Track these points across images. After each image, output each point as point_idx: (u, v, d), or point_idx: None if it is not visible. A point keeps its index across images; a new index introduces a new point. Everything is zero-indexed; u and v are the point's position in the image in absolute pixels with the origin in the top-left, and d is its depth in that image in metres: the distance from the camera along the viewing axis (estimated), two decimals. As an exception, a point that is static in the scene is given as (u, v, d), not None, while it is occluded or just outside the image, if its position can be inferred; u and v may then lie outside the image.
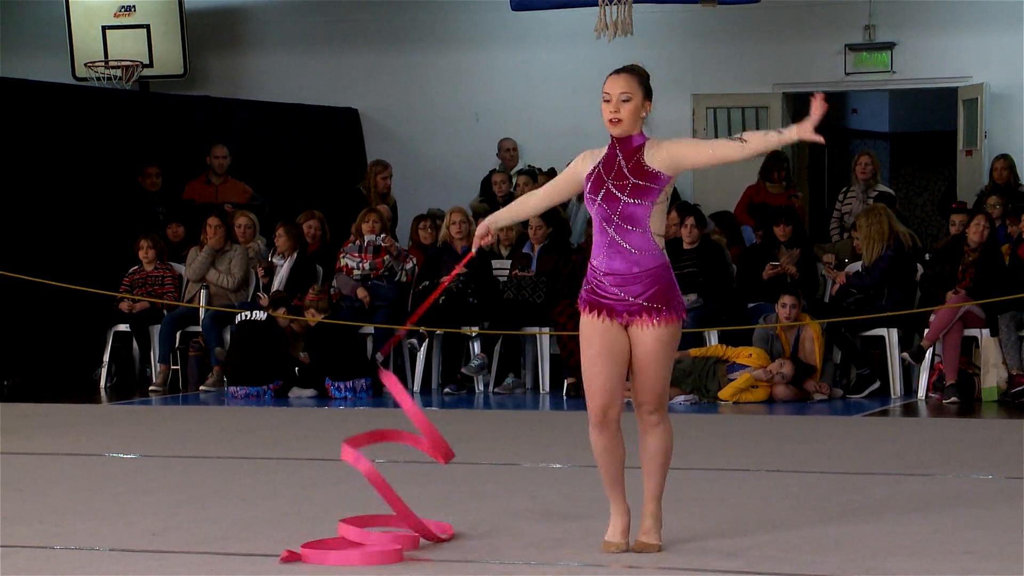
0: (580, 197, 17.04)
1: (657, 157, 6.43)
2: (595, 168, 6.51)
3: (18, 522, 7.61)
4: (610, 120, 6.44)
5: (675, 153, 6.45)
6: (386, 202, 16.13)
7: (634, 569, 6.33)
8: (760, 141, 6.42)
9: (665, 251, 6.52)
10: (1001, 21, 16.87)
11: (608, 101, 6.45)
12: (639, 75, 6.52)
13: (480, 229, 6.99)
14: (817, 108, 6.23)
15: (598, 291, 6.52)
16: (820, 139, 6.23)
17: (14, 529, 7.39)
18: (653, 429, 6.58)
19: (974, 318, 13.09)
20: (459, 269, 7.66)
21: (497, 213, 7.11)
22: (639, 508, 6.66)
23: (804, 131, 6.23)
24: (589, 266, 6.59)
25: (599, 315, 6.50)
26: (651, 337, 6.45)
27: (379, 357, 13.69)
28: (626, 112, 6.42)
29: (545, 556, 6.63)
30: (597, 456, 6.61)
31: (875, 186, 15.45)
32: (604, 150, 6.55)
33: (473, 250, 7.29)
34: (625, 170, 6.42)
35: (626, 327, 6.48)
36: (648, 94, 6.52)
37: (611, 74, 6.52)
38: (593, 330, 6.52)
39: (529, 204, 6.97)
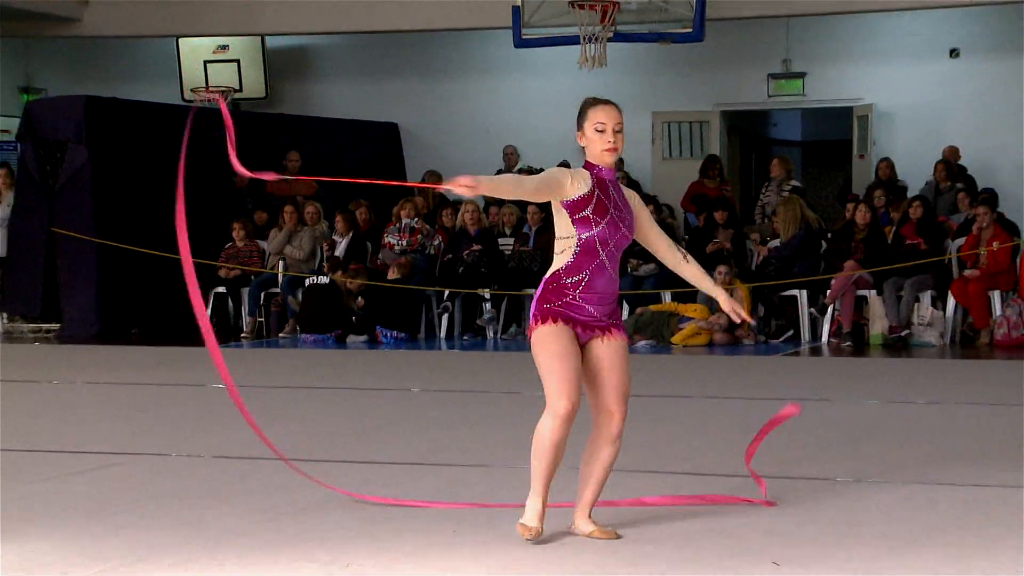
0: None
1: (632, 201, 5.27)
2: (592, 192, 5.12)
3: (142, 436, 7.68)
4: (607, 150, 5.13)
5: (641, 212, 5.29)
6: (432, 200, 16.18)
7: (622, 471, 6.34)
8: (695, 275, 5.42)
9: None
10: (886, 56, 16.94)
11: (603, 131, 5.13)
12: (619, 108, 5.26)
13: (466, 179, 4.85)
14: (740, 315, 5.48)
15: (570, 307, 5.09)
16: (747, 320, 5.63)
17: (139, 441, 7.46)
18: (615, 442, 5.14)
19: (864, 282, 13.15)
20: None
21: (485, 180, 4.98)
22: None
23: (730, 306, 5.43)
24: (558, 284, 5.10)
25: (558, 323, 5.08)
26: (618, 346, 5.14)
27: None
28: (620, 143, 5.17)
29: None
30: (547, 450, 5.00)
31: (789, 181, 15.48)
32: (587, 175, 5.16)
33: (446, 186, 4.99)
34: (620, 203, 5.19)
35: (583, 343, 5.14)
36: None
37: (600, 103, 5.23)
38: (555, 333, 5.06)
39: (513, 192, 5.30)
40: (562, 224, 5.16)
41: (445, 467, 6.61)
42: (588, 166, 5.21)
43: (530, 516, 4.99)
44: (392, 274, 14.11)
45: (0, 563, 4.78)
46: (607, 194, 5.16)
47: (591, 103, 5.26)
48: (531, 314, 5.19)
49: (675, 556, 4.80)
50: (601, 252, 5.12)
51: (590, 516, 5.15)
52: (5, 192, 15.68)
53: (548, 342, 5.08)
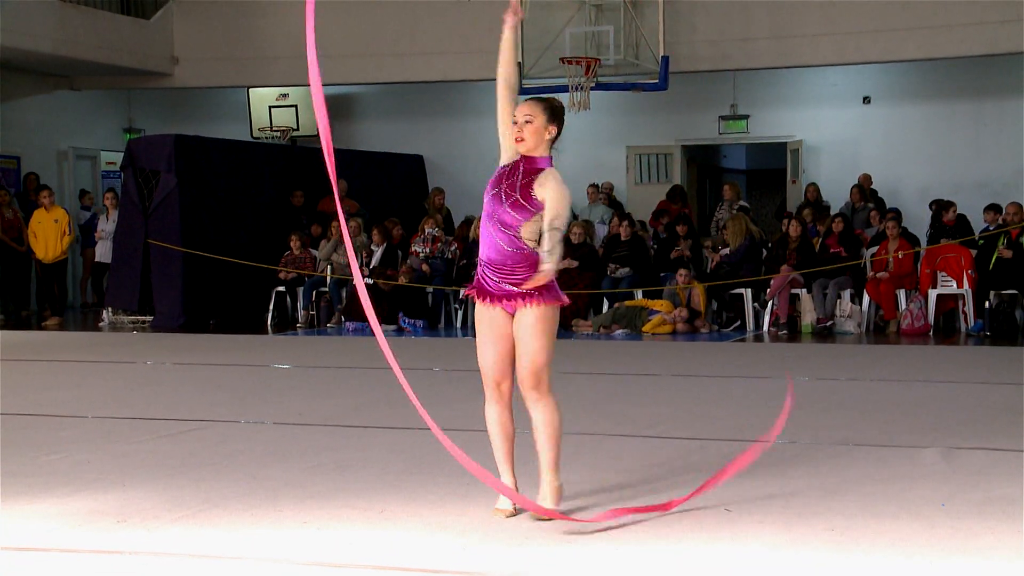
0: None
1: (541, 192, 4.47)
2: (505, 167, 4.62)
3: (217, 406, 7.63)
4: (515, 139, 4.57)
5: (546, 199, 4.44)
6: (440, 212, 16.19)
7: (601, 435, 6.26)
8: (550, 257, 4.34)
9: (540, 253, 4.45)
10: (813, 101, 16.95)
11: (515, 123, 4.58)
12: (544, 102, 4.62)
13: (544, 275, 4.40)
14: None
15: (483, 280, 4.53)
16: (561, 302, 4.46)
17: (215, 410, 7.41)
18: (534, 405, 4.49)
19: (797, 282, 13.09)
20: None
21: (511, 34, 4.78)
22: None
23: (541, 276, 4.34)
24: (478, 258, 4.62)
25: (485, 301, 4.51)
26: (528, 317, 4.43)
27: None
28: (528, 132, 4.53)
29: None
30: (489, 428, 4.59)
31: (737, 202, 15.43)
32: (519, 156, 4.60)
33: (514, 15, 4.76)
34: (517, 185, 4.50)
35: (512, 314, 4.48)
36: (553, 119, 4.58)
37: (523, 101, 4.67)
38: (482, 317, 4.53)
39: (506, 87, 4.78)
40: None
41: (461, 432, 6.55)
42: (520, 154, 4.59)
43: (502, 500, 4.49)
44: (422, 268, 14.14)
45: (102, 509, 4.74)
46: (513, 174, 4.54)
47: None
48: None
49: (643, 502, 4.73)
50: (488, 224, 4.51)
51: (549, 486, 4.51)
52: (111, 211, 15.67)
53: (477, 327, 4.55)
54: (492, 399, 4.56)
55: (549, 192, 4.47)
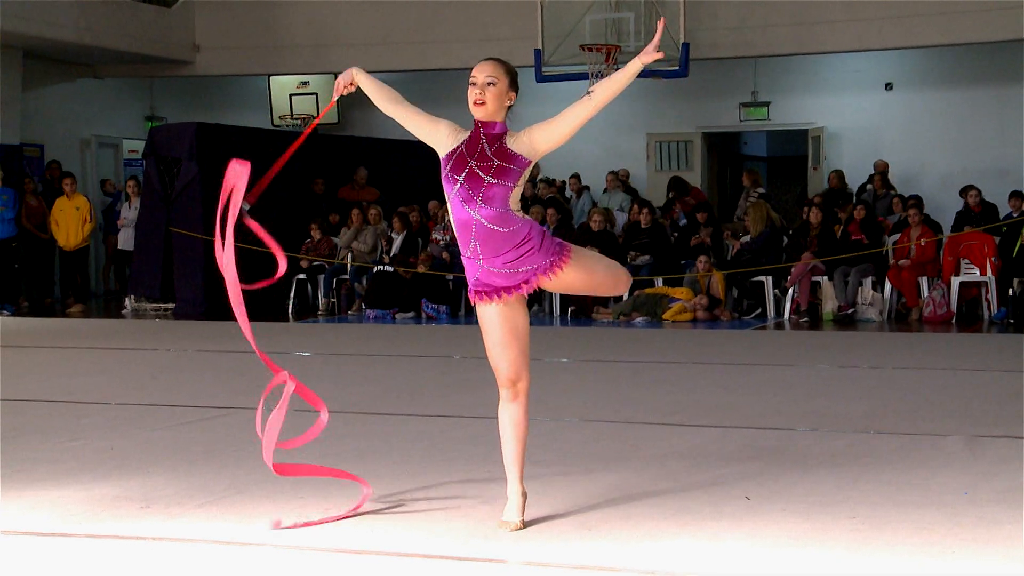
0: (578, 192, 16.88)
1: (519, 143, 4.15)
2: (458, 148, 4.14)
3: (239, 393, 7.64)
4: (475, 102, 4.14)
5: (533, 139, 4.17)
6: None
7: (622, 423, 6.25)
8: (606, 87, 4.15)
9: (526, 215, 4.15)
10: (835, 88, 16.86)
11: (474, 84, 4.16)
12: (505, 65, 4.23)
13: (345, 78, 4.54)
14: (658, 32, 4.11)
15: (484, 280, 4.15)
16: (659, 55, 4.06)
17: (237, 397, 7.43)
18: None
19: (818, 270, 13.02)
20: (319, 118, 5.49)
21: (368, 78, 4.55)
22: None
23: (644, 56, 4.05)
24: (465, 261, 4.18)
25: (495, 299, 4.15)
26: (566, 277, 4.13)
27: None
28: (490, 95, 4.13)
29: (553, 410, 6.54)
30: (503, 431, 4.20)
31: (755, 189, 15.36)
32: (468, 132, 4.21)
33: (334, 98, 4.66)
34: (488, 152, 4.10)
35: (528, 295, 4.17)
36: (513, 85, 4.21)
37: (482, 61, 4.24)
38: (490, 316, 4.17)
39: (391, 105, 4.53)
40: None
41: (479, 419, 6.56)
42: (475, 123, 4.19)
43: (508, 512, 4.20)
44: (422, 267, 14.07)
45: (126, 495, 4.76)
46: (475, 147, 4.12)
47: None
48: None
49: (663, 490, 4.73)
50: (471, 211, 4.08)
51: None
52: (133, 198, 15.74)
53: (483, 328, 4.21)
54: (509, 398, 4.18)
55: (530, 130, 4.17)
